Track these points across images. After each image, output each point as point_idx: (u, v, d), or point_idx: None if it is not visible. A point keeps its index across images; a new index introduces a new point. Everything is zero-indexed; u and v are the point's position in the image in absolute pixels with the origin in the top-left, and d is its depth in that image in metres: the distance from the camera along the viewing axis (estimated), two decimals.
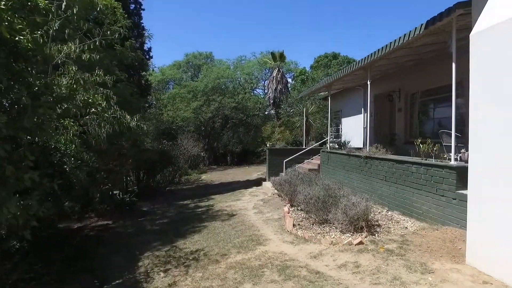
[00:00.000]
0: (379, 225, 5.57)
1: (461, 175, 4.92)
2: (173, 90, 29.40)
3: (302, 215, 6.75)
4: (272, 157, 14.27)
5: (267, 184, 12.64)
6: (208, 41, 61.18)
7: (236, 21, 60.69)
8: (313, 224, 5.95)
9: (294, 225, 6.00)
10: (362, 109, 15.06)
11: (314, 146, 14.52)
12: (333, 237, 5.14)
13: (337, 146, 13.15)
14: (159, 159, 13.47)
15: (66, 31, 3.83)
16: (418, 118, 10.97)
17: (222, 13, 60.27)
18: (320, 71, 28.63)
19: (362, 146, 14.08)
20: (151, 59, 16.65)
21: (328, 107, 12.31)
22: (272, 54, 22.76)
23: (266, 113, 30.51)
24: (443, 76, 9.36)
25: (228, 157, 30.49)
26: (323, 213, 5.80)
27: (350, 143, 12.92)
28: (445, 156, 5.93)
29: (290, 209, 7.43)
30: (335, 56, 32.66)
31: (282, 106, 21.53)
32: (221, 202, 10.40)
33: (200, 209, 9.56)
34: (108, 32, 4.60)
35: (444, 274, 3.45)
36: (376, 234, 5.12)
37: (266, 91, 29.59)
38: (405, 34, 6.11)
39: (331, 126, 18.72)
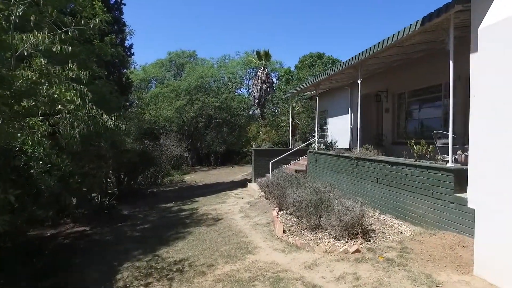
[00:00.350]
0: (373, 230, 5.33)
1: (459, 178, 4.73)
2: (155, 89, 28.65)
3: (292, 219, 6.45)
4: (258, 158, 13.94)
5: (253, 186, 12.31)
6: (191, 40, 60.23)
7: (220, 20, 60.09)
8: (304, 230, 5.65)
9: (284, 231, 5.68)
10: (349, 109, 14.96)
11: (303, 146, 14.27)
12: (327, 244, 4.85)
13: (323, 147, 12.97)
14: (140, 160, 12.92)
15: (32, 17, 3.35)
16: (405, 118, 10.90)
17: (206, 12, 59.52)
18: (305, 71, 28.56)
19: (348, 146, 13.97)
20: (132, 56, 16.00)
21: (316, 107, 12.07)
22: (257, 53, 22.44)
23: (250, 113, 30.19)
24: (432, 76, 9.35)
25: (212, 158, 29.99)
26: (315, 218, 5.51)
27: (336, 144, 12.76)
28: (439, 157, 5.76)
29: (279, 213, 7.12)
30: (320, 56, 32.64)
31: (267, 105, 21.23)
32: (205, 205, 9.98)
33: (184, 213, 9.12)
34: (82, 22, 4.11)
35: (453, 287, 3.21)
36: (372, 240, 4.87)
37: (250, 90, 29.28)
38: (399, 31, 5.90)
39: (318, 126, 18.62)
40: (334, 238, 5.02)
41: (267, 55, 21.86)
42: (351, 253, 4.33)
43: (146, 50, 56.10)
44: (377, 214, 6.53)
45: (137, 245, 6.26)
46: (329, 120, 17.00)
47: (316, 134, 16.05)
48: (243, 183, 14.34)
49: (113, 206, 9.75)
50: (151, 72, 30.03)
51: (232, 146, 28.46)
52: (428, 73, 9.30)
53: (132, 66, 18.65)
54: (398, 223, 5.84)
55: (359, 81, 8.22)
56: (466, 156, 5.04)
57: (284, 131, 18.04)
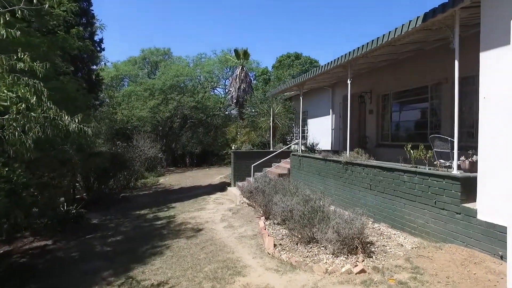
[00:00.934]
0: (371, 243, 4.89)
1: (466, 187, 4.38)
2: (128, 87, 27.29)
3: (282, 231, 5.91)
4: (238, 160, 13.34)
5: (233, 190, 11.69)
6: (166, 38, 58.46)
7: (196, 18, 58.81)
8: (297, 244, 5.12)
9: (275, 245, 5.13)
10: (330, 110, 14.68)
11: (285, 149, 13.80)
12: (326, 262, 4.34)
13: (303, 148, 12.58)
14: (112, 164, 11.97)
15: None
16: (390, 120, 10.69)
17: (181, 9, 58.03)
18: (283, 71, 28.23)
19: (330, 148, 13.66)
20: (102, 52, 14.87)
21: (300, 107, 11.63)
22: (236, 51, 21.75)
23: (227, 113, 29.50)
24: (418, 78, 9.16)
25: (187, 159, 29.02)
26: (309, 230, 5.00)
27: (318, 145, 12.41)
28: (436, 163, 5.42)
29: (266, 222, 6.57)
30: (297, 56, 32.49)
31: (246, 106, 20.63)
32: (183, 212, 9.27)
33: (160, 222, 8.37)
34: (34, 1, 3.35)
35: None
36: (374, 256, 4.42)
37: (228, 90, 28.57)
38: (396, 29, 5.51)
39: (298, 127, 18.25)
40: (332, 254, 4.52)
41: (246, 53, 21.24)
42: (356, 274, 3.84)
43: (119, 47, 53.87)
44: (370, 222, 6.12)
45: (108, 264, 5.49)
46: (309, 121, 16.69)
47: (299, 135, 15.66)
48: (221, 187, 13.69)
49: (81, 215, 8.82)
50: (124, 70, 28.58)
51: (208, 147, 27.68)
52: (414, 75, 9.10)
53: (103, 63, 17.42)
54: (395, 234, 5.46)
55: (348, 81, 7.82)
56: (471, 163, 4.71)
57: (264, 132, 17.54)
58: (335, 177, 7.88)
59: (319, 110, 15.41)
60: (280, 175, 11.09)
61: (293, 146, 15.55)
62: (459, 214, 4.40)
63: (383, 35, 5.84)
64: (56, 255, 6.26)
